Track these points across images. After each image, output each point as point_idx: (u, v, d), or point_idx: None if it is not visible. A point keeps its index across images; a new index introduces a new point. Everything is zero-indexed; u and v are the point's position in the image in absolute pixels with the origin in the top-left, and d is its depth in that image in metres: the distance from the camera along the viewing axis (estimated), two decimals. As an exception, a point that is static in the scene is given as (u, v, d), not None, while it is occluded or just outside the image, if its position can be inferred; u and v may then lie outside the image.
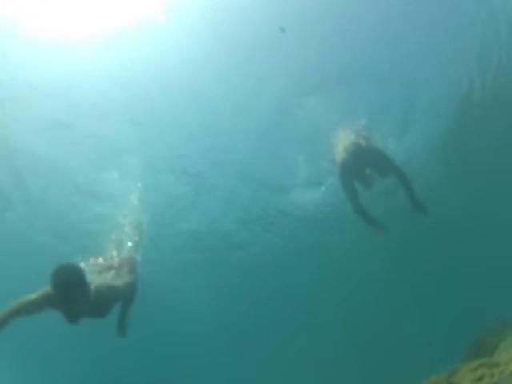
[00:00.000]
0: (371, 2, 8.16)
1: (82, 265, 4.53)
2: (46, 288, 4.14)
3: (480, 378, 5.25)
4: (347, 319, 17.08)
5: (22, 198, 11.25)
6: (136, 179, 10.54)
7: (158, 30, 8.04)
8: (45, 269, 4.03)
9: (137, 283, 5.59)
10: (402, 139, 10.75)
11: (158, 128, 9.73)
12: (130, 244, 7.71)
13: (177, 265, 14.19)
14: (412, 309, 17.35)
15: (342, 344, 18.20)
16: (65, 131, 9.50)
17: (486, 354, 6.83)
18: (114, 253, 7.15)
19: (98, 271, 5.44)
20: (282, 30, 7.45)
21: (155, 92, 8.94)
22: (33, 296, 4.43)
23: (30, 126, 9.33)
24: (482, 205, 13.02)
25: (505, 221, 13.22)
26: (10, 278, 12.41)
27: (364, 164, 7.68)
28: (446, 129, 10.99)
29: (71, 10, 7.64)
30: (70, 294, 3.86)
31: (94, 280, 4.66)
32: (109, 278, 5.21)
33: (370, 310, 16.81)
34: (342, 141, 7.99)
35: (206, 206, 12.33)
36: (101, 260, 6.04)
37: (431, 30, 8.76)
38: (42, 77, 8.46)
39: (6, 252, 12.99)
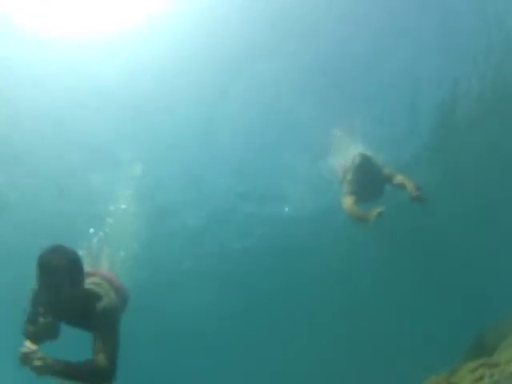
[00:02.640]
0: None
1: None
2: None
3: (480, 378, 5.26)
4: (347, 319, 17.06)
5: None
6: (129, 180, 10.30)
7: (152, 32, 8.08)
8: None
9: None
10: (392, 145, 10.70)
11: (151, 125, 9.64)
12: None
13: (175, 268, 14.16)
14: (412, 309, 17.33)
15: (342, 344, 18.17)
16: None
17: (486, 353, 6.82)
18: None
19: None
20: None
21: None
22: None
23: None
24: (482, 205, 13.02)
25: (505, 221, 13.22)
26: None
27: (372, 183, 7.36)
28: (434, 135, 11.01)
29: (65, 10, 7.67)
30: (56, 281, 3.09)
31: (93, 283, 3.69)
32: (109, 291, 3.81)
33: (371, 310, 16.80)
34: (351, 159, 7.81)
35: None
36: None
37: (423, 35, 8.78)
38: (29, 73, 8.37)
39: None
